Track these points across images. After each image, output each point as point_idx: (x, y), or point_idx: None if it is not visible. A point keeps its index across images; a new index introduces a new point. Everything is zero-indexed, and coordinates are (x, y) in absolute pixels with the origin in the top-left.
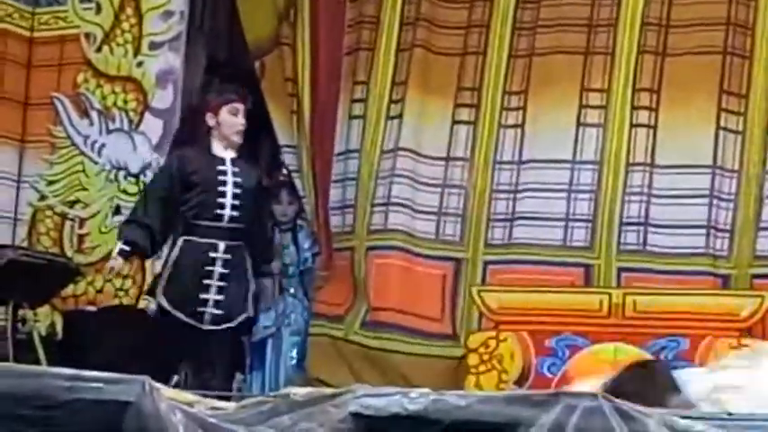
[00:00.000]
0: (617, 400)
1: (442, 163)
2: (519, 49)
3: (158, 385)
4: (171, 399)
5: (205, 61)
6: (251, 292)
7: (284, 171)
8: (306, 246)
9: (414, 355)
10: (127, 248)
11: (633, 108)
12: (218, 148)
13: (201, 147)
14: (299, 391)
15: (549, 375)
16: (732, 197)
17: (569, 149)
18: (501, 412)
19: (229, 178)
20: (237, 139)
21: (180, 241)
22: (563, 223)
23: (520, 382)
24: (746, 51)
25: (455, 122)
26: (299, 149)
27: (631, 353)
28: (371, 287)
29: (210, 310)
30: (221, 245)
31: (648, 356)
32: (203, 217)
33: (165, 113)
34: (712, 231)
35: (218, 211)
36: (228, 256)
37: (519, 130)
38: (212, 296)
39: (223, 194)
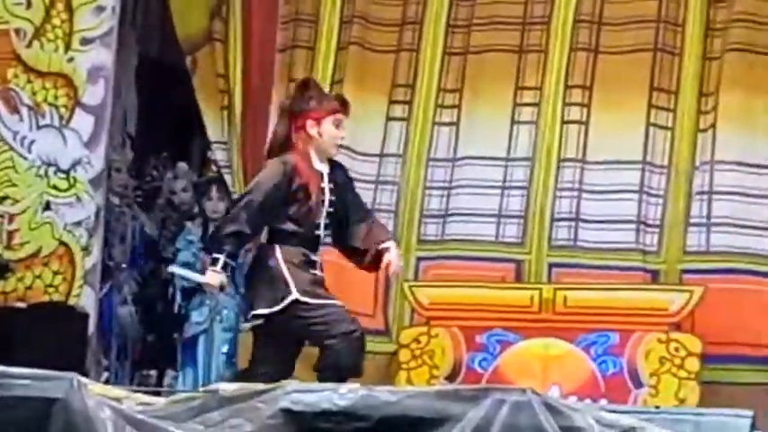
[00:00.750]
0: (545, 395)
1: (376, 159)
2: (453, 47)
3: (87, 381)
4: (100, 395)
5: (137, 57)
6: None
7: (213, 167)
8: None
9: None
10: (233, 263)
11: (565, 105)
12: (314, 160)
13: (305, 158)
14: (229, 387)
15: (480, 371)
16: (662, 193)
17: (503, 147)
18: (430, 407)
19: (326, 197)
20: (334, 152)
21: (276, 249)
22: (495, 219)
23: (451, 377)
24: (676, 48)
25: (389, 119)
26: (230, 145)
27: (562, 348)
28: None
29: None
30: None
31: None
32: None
33: (96, 109)
34: (642, 227)
35: (316, 232)
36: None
37: (454, 128)
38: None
39: (319, 213)
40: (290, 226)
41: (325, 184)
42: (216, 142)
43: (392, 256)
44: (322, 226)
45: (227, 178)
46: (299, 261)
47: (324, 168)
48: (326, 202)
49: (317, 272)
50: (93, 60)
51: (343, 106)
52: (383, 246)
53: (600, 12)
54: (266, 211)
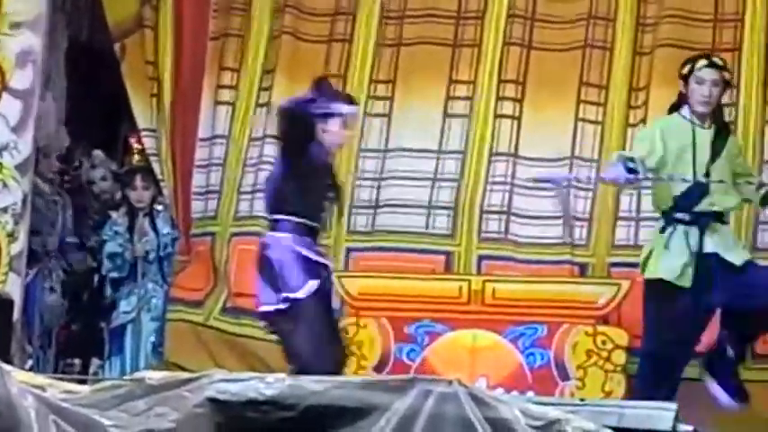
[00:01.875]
0: (472, 386)
1: None
2: (386, 39)
3: (10, 368)
4: (23, 382)
5: (66, 42)
6: None
7: (136, 156)
8: (165, 231)
9: (274, 341)
10: None
11: (498, 99)
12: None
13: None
14: (155, 376)
15: (408, 362)
16: (591, 186)
17: (435, 139)
18: (357, 397)
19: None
20: (335, 152)
21: None
22: (426, 211)
23: (379, 368)
24: (607, 43)
25: None
26: (159, 133)
27: (490, 339)
28: (233, 273)
29: None
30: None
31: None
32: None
33: (23, 94)
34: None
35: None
36: None
37: (385, 120)
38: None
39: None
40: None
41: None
42: (144, 130)
43: None
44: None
45: (156, 166)
46: None
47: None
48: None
49: None
50: (22, 45)
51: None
52: None
53: (533, 7)
54: None
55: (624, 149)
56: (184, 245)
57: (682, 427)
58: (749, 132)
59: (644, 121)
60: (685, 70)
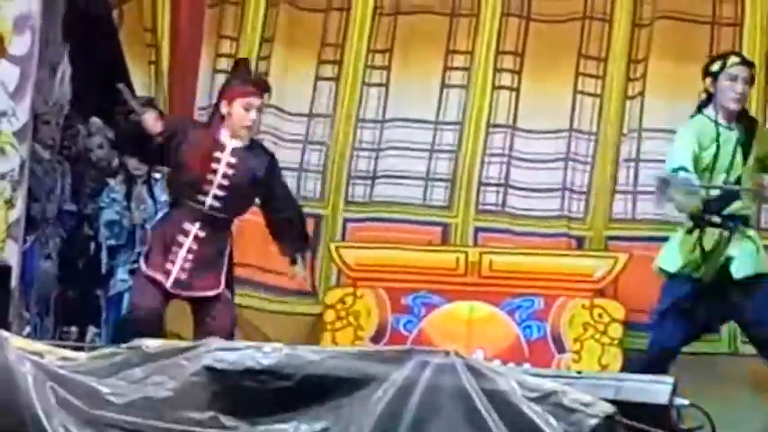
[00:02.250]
0: (469, 358)
1: (305, 120)
2: (384, 8)
3: (8, 335)
4: (21, 349)
5: (64, 8)
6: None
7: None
8: (162, 199)
9: (273, 312)
10: None
11: (496, 71)
12: (224, 136)
13: (211, 130)
14: (152, 344)
15: (405, 333)
16: (589, 160)
17: (433, 110)
18: (353, 367)
19: (221, 167)
20: (245, 134)
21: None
22: (423, 182)
23: (376, 339)
24: (606, 15)
25: (318, 79)
26: (157, 101)
27: (486, 312)
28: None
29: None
30: (196, 224)
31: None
32: (187, 196)
33: (22, 60)
34: (568, 194)
35: (201, 197)
36: (203, 234)
37: (383, 89)
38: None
39: (210, 182)
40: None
41: (224, 157)
42: (142, 97)
43: (297, 273)
44: (210, 195)
45: None
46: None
47: (232, 144)
48: (220, 175)
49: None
50: (20, 9)
51: (259, 91)
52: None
53: None
54: None
55: (622, 122)
56: None
57: (679, 400)
58: None
59: (642, 93)
60: (715, 67)
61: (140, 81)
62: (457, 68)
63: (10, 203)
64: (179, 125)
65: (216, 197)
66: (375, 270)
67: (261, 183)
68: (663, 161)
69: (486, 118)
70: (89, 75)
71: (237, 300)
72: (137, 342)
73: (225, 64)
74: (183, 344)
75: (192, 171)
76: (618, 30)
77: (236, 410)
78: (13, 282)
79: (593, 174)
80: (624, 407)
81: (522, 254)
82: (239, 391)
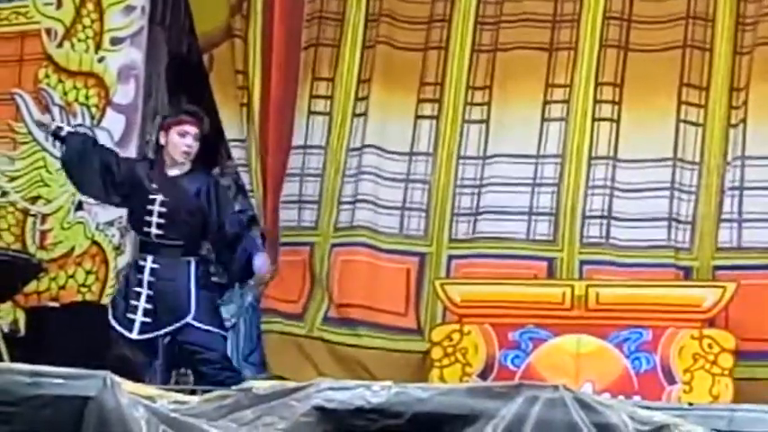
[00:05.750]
0: (578, 392)
1: (406, 158)
2: (482, 45)
3: (120, 380)
4: (133, 393)
5: (167, 56)
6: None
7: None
8: None
9: (379, 349)
10: None
11: (596, 102)
12: (167, 167)
13: (156, 163)
14: (262, 385)
15: (513, 368)
16: (693, 189)
17: (533, 144)
18: (463, 404)
19: (158, 196)
20: (182, 160)
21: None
22: (526, 217)
23: (483, 374)
24: (707, 44)
25: (418, 117)
26: (248, 144)
27: (594, 345)
28: (336, 283)
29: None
30: (149, 257)
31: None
32: (135, 229)
33: (126, 109)
34: (674, 223)
35: (146, 229)
36: (157, 266)
37: (483, 126)
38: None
39: (150, 212)
40: None
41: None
42: (233, 140)
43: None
44: (153, 225)
45: (245, 177)
46: None
47: (170, 172)
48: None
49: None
50: (124, 60)
51: (195, 119)
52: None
53: (630, 8)
54: None
55: (726, 150)
56: (271, 254)
57: None
58: None
59: (744, 121)
60: None
61: (231, 124)
62: (556, 101)
63: (119, 250)
64: (126, 172)
65: (158, 225)
66: (481, 306)
67: (198, 207)
68: (767, 188)
69: (587, 150)
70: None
71: (344, 339)
72: (247, 384)
73: (321, 105)
74: (293, 384)
75: (131, 204)
76: (719, 58)
77: None
78: None
79: (698, 203)
80: None
81: (628, 286)
82: (349, 431)
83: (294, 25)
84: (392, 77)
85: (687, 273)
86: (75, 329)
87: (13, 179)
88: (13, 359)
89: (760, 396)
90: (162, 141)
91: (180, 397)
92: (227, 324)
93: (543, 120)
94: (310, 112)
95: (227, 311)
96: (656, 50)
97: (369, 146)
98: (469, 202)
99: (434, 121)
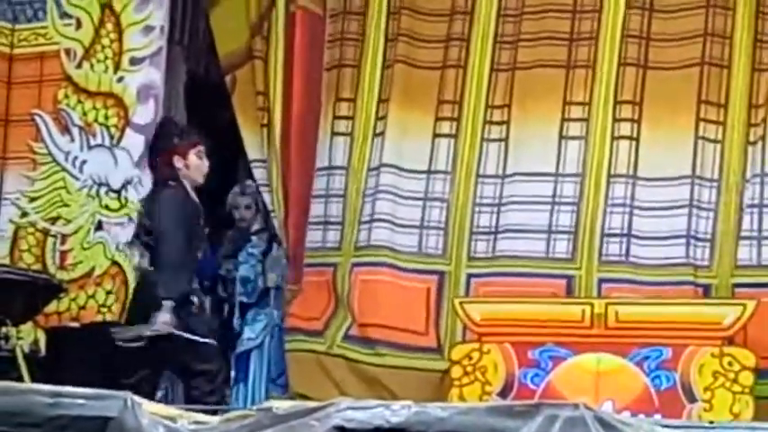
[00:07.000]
0: (598, 410)
1: (424, 177)
2: (500, 63)
3: (140, 400)
4: (153, 414)
5: (186, 76)
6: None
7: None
8: None
9: (399, 368)
10: None
11: (615, 120)
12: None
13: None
14: (282, 405)
15: (533, 386)
16: (712, 206)
17: (552, 162)
18: (482, 423)
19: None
20: (202, 181)
21: None
22: (545, 235)
23: (503, 393)
24: (724, 61)
25: (436, 136)
26: (269, 164)
27: (614, 363)
28: (356, 302)
29: None
30: None
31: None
32: None
33: (146, 129)
34: (693, 241)
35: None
36: None
37: (502, 144)
38: None
39: None
40: None
41: None
42: (254, 161)
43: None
44: None
45: (266, 197)
46: None
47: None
48: None
49: None
50: (143, 80)
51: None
52: None
53: (648, 26)
54: None
55: (745, 167)
56: (294, 274)
57: None
58: None
59: (763, 138)
60: None
61: (252, 144)
62: (575, 120)
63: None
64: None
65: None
66: (500, 324)
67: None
68: None
69: (606, 168)
70: (206, 143)
71: (364, 357)
72: (267, 403)
73: (343, 126)
74: (313, 404)
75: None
76: (737, 75)
77: None
78: None
79: (717, 220)
80: None
81: (648, 304)
82: None
83: (316, 46)
84: (410, 96)
85: (706, 290)
86: (96, 350)
87: (33, 200)
88: (33, 379)
89: None
90: (178, 165)
91: (201, 417)
92: (252, 344)
93: (562, 138)
94: (333, 133)
95: (251, 331)
96: (674, 68)
97: (386, 165)
98: (488, 220)
99: (453, 140)
